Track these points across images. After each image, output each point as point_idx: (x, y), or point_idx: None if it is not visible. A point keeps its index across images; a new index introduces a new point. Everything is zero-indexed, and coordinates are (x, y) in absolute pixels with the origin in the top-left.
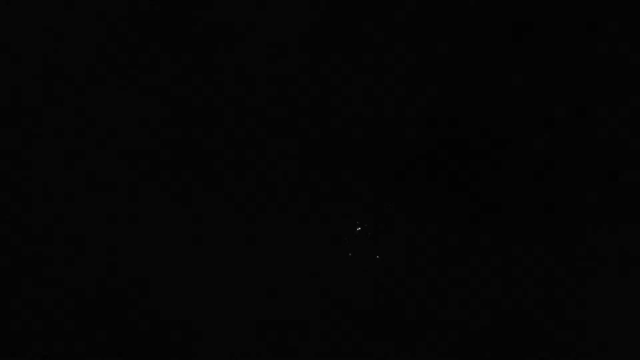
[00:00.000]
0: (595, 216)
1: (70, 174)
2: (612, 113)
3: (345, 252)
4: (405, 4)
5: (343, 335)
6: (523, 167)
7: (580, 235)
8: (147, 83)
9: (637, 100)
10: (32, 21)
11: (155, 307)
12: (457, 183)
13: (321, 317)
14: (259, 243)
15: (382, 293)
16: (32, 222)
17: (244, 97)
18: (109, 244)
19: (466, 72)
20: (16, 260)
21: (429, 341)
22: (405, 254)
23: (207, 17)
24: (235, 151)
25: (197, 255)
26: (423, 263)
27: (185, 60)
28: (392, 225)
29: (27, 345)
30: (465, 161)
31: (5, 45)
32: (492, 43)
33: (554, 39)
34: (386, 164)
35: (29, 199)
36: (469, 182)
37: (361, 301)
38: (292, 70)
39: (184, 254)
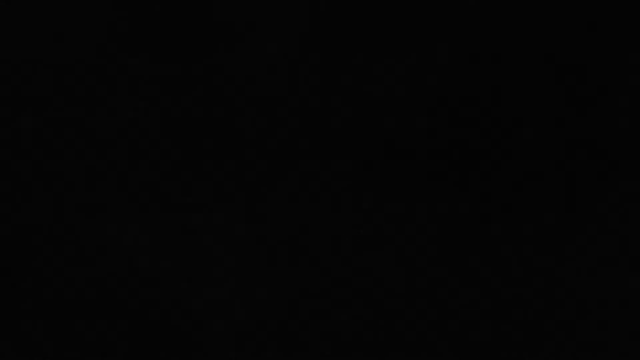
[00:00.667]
0: (595, 214)
1: (73, 173)
2: (611, 112)
3: (346, 252)
4: (405, 3)
5: (343, 335)
6: (523, 166)
7: (580, 233)
8: (146, 83)
9: (636, 99)
10: (32, 20)
11: (166, 307)
12: (457, 183)
13: (321, 317)
14: (257, 242)
15: (381, 292)
16: (33, 222)
17: (243, 97)
18: (113, 243)
19: (467, 72)
20: (21, 259)
21: (428, 342)
22: (405, 253)
23: (206, 17)
24: (234, 151)
25: (197, 254)
26: (423, 263)
27: (183, 60)
28: (392, 225)
29: (31, 346)
30: (465, 161)
31: (5, 44)
32: (493, 42)
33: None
34: (386, 164)
35: (34, 198)
36: (468, 183)
37: (361, 301)
38: (292, 70)
39: (189, 252)
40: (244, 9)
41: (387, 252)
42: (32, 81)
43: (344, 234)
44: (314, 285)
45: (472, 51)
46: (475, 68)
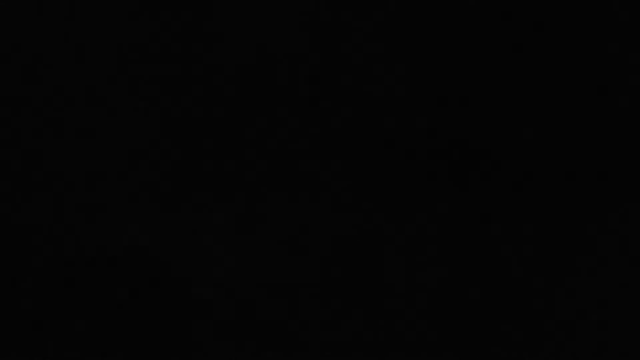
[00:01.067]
0: (595, 214)
1: (72, 173)
2: (611, 112)
3: (346, 252)
4: (405, 3)
5: (343, 336)
6: (523, 166)
7: (580, 234)
8: (146, 83)
9: (636, 99)
10: (31, 20)
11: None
12: (457, 183)
13: (321, 317)
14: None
15: (381, 292)
16: (33, 222)
17: (243, 97)
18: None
19: (467, 71)
20: (21, 259)
21: (428, 342)
22: (405, 254)
23: (206, 16)
24: (234, 151)
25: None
26: (423, 263)
27: (183, 60)
28: (392, 225)
29: (31, 346)
30: (465, 161)
31: (5, 43)
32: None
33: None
34: (386, 164)
35: (34, 198)
36: (468, 183)
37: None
38: (292, 70)
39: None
40: (244, 9)
41: (387, 252)
42: (32, 81)
43: (344, 234)
44: (314, 285)
45: (472, 51)
46: (475, 68)
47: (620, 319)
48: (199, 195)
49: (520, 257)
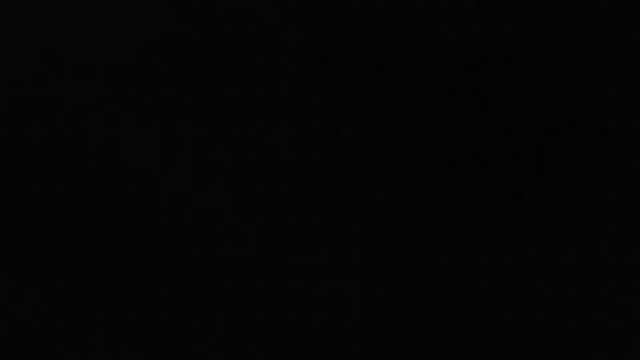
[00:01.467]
0: (594, 214)
1: (73, 173)
2: (610, 112)
3: (346, 252)
4: (406, 12)
5: (343, 335)
6: (523, 165)
7: (579, 233)
8: (148, 83)
9: (636, 99)
10: (31, 20)
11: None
12: (457, 183)
13: (322, 317)
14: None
15: (382, 292)
16: (33, 221)
17: (244, 97)
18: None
19: (467, 72)
20: (24, 257)
21: (428, 342)
22: (406, 253)
23: (206, 22)
24: (234, 151)
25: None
26: (423, 263)
27: (183, 60)
28: (392, 224)
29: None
30: (465, 161)
31: (4, 43)
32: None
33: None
34: (387, 159)
35: (34, 198)
36: (468, 182)
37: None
38: (292, 68)
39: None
40: (243, 8)
41: (389, 252)
42: (31, 81)
43: (345, 234)
44: (314, 285)
45: (472, 51)
46: (475, 68)
47: (620, 319)
48: (199, 195)
49: (520, 257)
